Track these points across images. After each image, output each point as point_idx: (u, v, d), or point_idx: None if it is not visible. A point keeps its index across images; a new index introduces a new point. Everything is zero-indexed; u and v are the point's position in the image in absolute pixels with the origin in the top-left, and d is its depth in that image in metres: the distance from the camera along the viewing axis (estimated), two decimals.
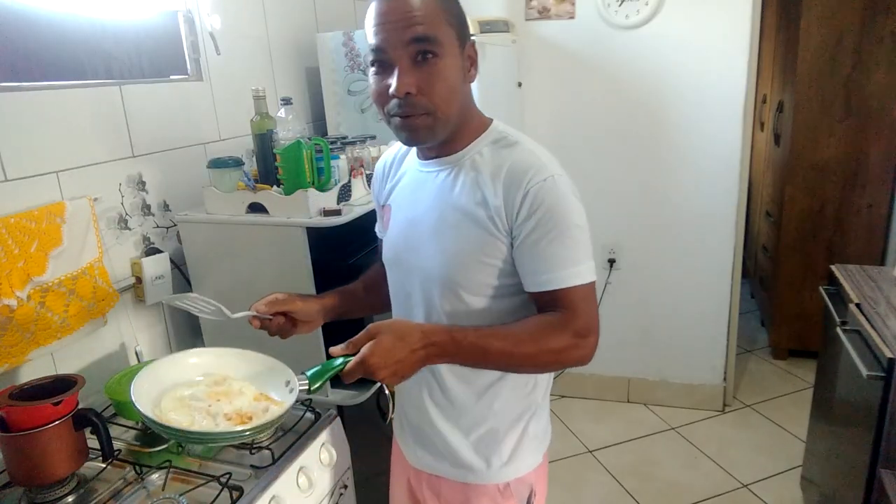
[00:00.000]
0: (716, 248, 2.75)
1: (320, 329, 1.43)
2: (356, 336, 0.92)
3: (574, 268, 0.96)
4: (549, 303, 0.97)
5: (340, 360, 0.90)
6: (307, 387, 0.92)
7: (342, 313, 1.21)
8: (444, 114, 0.96)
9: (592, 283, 0.98)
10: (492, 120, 1.07)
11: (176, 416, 0.92)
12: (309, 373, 0.92)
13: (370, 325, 0.92)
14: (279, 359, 1.02)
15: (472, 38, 1.01)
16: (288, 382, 0.95)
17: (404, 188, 1.12)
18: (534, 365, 0.99)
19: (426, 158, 1.07)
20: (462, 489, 1.10)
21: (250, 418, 0.93)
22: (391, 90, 0.93)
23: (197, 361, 1.05)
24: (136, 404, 0.90)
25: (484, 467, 1.08)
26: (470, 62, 1.00)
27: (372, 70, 0.97)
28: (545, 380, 1.12)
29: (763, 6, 2.61)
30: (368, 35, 0.95)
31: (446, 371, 1.07)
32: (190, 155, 1.72)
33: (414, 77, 0.92)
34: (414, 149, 1.11)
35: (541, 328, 0.96)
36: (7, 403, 1.09)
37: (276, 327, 1.11)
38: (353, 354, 0.90)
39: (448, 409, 1.10)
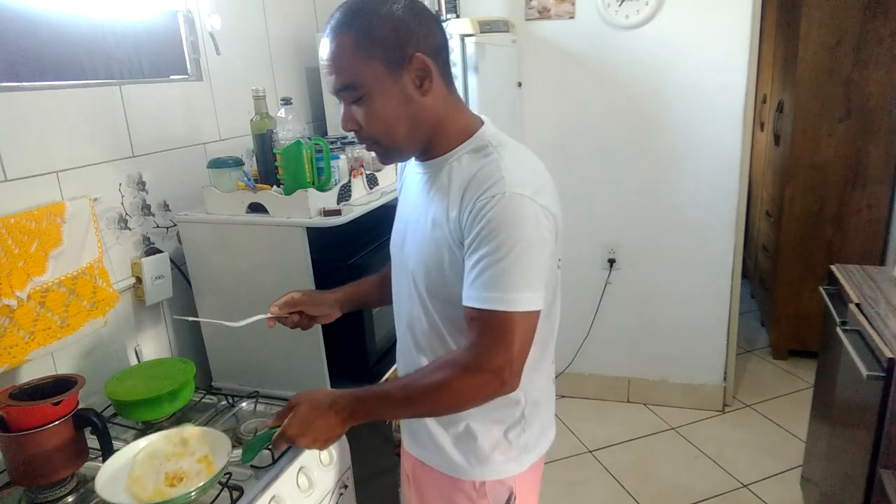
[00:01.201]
0: (716, 247, 2.75)
1: (320, 330, 1.46)
2: (281, 409, 1.02)
3: (500, 293, 0.89)
4: (470, 323, 0.93)
5: (274, 430, 1.00)
6: (240, 458, 1.04)
7: (359, 305, 1.32)
8: (390, 142, 1.00)
9: (522, 315, 0.90)
10: (482, 124, 1.03)
11: (138, 471, 1.08)
12: (248, 443, 1.03)
13: (291, 398, 1.02)
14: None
15: (417, 53, 0.93)
16: (230, 452, 1.09)
17: (405, 186, 1.15)
18: (445, 408, 1.00)
19: (417, 159, 1.07)
20: (441, 479, 1.13)
21: (181, 480, 1.05)
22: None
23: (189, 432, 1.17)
24: (99, 485, 1.04)
25: (463, 463, 1.10)
26: (419, 78, 0.95)
27: None
28: (531, 396, 1.10)
29: (763, 6, 2.61)
30: None
31: None
32: (190, 155, 1.71)
33: (352, 115, 0.98)
34: None
35: (439, 370, 0.94)
36: (7, 403, 1.09)
37: (292, 324, 1.22)
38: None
39: None
